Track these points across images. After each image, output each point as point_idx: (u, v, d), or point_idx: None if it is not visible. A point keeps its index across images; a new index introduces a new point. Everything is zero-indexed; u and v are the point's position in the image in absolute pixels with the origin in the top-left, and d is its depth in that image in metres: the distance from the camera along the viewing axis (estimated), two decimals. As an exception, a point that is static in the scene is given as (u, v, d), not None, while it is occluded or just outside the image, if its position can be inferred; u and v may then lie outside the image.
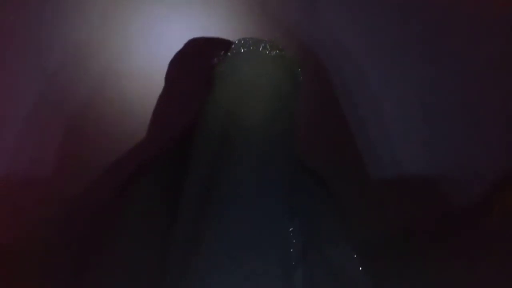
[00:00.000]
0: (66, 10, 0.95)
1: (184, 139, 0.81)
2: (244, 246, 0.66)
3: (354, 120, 0.99)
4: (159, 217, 0.75)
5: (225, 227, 0.66)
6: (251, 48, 0.77)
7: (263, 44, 0.77)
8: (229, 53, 0.79)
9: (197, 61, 0.97)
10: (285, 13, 1.00)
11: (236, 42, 0.80)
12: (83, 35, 0.96)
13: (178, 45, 0.97)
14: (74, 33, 0.95)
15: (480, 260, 0.90)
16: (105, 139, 0.95)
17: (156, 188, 0.79)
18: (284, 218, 0.72)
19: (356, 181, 0.98)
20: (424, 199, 1.01)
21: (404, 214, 0.99)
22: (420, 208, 1.00)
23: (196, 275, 0.64)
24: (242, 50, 0.78)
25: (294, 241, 0.72)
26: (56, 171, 0.93)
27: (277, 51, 0.77)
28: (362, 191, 0.98)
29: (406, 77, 1.00)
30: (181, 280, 0.64)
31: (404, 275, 0.91)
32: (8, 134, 0.92)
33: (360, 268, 0.76)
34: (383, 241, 0.95)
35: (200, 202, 0.68)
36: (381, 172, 0.99)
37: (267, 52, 0.76)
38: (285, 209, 0.72)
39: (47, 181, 0.93)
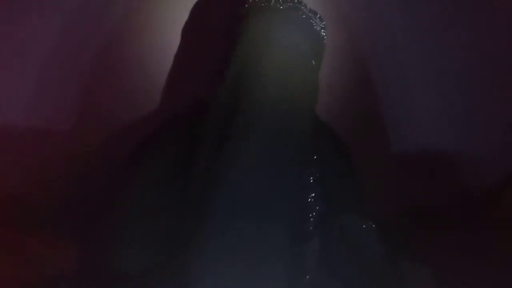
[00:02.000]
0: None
1: (200, 105, 0.81)
2: (254, 209, 0.67)
3: (381, 94, 0.97)
4: (172, 181, 0.75)
5: (234, 191, 0.67)
6: (262, 4, 0.76)
7: None
8: (243, 12, 0.78)
9: (214, 18, 0.93)
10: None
11: (250, 1, 0.78)
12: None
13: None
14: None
15: (490, 242, 0.89)
16: (122, 96, 0.94)
17: (171, 152, 0.79)
18: (299, 186, 0.71)
19: (378, 155, 0.97)
20: (443, 178, 0.99)
21: (421, 191, 0.97)
22: (438, 186, 0.98)
23: (207, 235, 0.64)
24: (255, 7, 0.77)
25: (313, 207, 0.71)
26: (74, 125, 0.92)
27: (290, 4, 0.74)
28: (383, 165, 0.96)
29: (438, 57, 0.96)
30: (194, 240, 0.66)
31: (417, 246, 0.91)
32: (26, 88, 0.91)
33: (375, 238, 0.75)
34: (399, 214, 0.94)
35: (212, 167, 0.69)
36: (403, 148, 0.98)
37: (280, 6, 0.74)
38: (299, 177, 0.71)
39: (65, 135, 0.92)
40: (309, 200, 0.73)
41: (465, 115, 0.98)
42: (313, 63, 0.75)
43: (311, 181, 0.74)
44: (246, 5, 0.79)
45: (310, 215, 0.72)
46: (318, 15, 0.77)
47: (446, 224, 0.95)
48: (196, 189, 0.70)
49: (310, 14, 0.76)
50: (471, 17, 0.96)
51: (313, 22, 0.76)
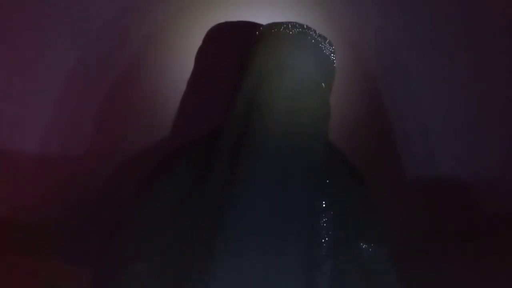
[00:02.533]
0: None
1: (212, 132, 0.82)
2: (266, 235, 0.67)
3: (393, 118, 0.96)
4: (184, 208, 0.75)
5: (243, 214, 0.67)
6: (272, 30, 0.77)
7: (284, 25, 0.76)
8: (252, 41, 0.80)
9: (225, 46, 0.95)
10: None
11: (260, 28, 0.80)
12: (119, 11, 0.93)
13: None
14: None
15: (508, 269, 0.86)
16: (135, 123, 0.95)
17: (183, 178, 0.79)
18: (311, 211, 0.70)
19: (392, 179, 0.96)
20: (457, 201, 0.98)
21: (436, 215, 0.96)
22: (452, 210, 0.97)
23: (218, 261, 0.64)
24: (264, 35, 0.78)
25: (325, 232, 0.70)
26: (88, 152, 0.93)
27: (300, 30, 0.75)
28: (397, 189, 0.96)
29: (448, 77, 0.96)
30: (204, 262, 0.66)
31: (432, 274, 0.88)
32: (41, 116, 0.92)
33: (388, 264, 0.74)
34: (414, 241, 0.92)
35: (222, 192, 0.69)
36: (417, 173, 0.97)
37: (288, 32, 0.75)
38: (312, 202, 0.70)
39: (79, 162, 0.93)
40: (322, 225, 0.72)
41: (481, 140, 0.97)
42: (324, 87, 0.76)
43: (324, 205, 0.73)
44: (257, 32, 0.80)
45: (323, 240, 0.71)
46: (328, 40, 0.78)
47: (463, 251, 0.92)
48: (208, 215, 0.70)
49: (320, 39, 0.77)
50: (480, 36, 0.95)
51: (323, 47, 0.77)
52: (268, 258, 0.65)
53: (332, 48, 0.79)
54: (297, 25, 0.77)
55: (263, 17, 0.90)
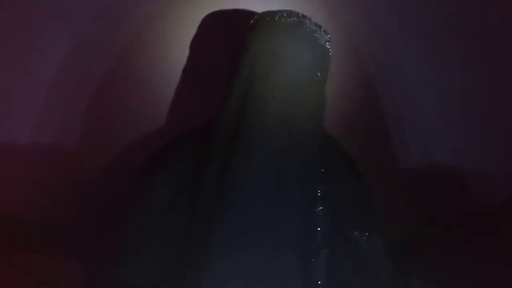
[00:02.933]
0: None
1: (206, 123, 0.81)
2: (262, 226, 0.67)
3: (387, 108, 0.97)
4: (179, 199, 0.75)
5: (238, 208, 0.67)
6: (267, 19, 0.76)
7: (279, 14, 0.75)
8: (247, 30, 0.78)
9: (221, 34, 0.94)
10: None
11: (255, 17, 0.79)
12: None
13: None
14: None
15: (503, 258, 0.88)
16: (128, 115, 0.94)
17: (177, 169, 0.78)
18: (306, 200, 0.70)
19: (386, 169, 0.96)
20: (452, 192, 0.99)
21: (430, 205, 0.97)
22: (447, 201, 0.98)
23: (215, 253, 0.64)
24: (258, 24, 0.76)
25: (321, 221, 0.70)
26: (81, 143, 0.93)
27: (295, 18, 0.75)
28: (391, 179, 0.96)
29: (444, 65, 0.97)
30: (200, 256, 0.66)
31: (426, 262, 0.89)
32: (33, 106, 0.91)
33: (383, 253, 0.75)
34: (408, 230, 0.93)
35: (217, 186, 0.69)
36: (412, 163, 0.98)
37: (283, 20, 0.74)
38: (307, 193, 0.71)
39: (72, 153, 0.93)
40: (317, 214, 0.72)
41: (475, 129, 0.98)
42: (319, 76, 0.75)
43: (319, 195, 0.73)
44: (251, 21, 0.79)
45: (318, 229, 0.71)
46: (323, 29, 0.78)
47: (457, 241, 0.93)
48: (203, 207, 0.70)
49: (315, 28, 0.76)
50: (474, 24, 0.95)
51: (318, 35, 0.76)
52: (263, 249, 0.65)
53: (328, 37, 0.78)
54: (292, 14, 0.76)
55: (258, 5, 0.88)
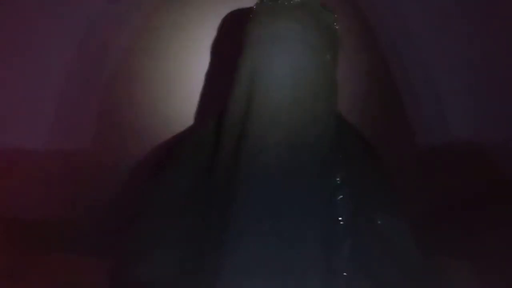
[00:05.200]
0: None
1: (214, 116, 0.79)
2: (280, 216, 0.65)
3: (404, 87, 0.94)
4: (193, 193, 0.74)
5: (256, 200, 0.65)
6: (269, 3, 0.74)
7: None
8: (251, 16, 0.75)
9: (223, 27, 0.93)
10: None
11: (257, 2, 0.76)
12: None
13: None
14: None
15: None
16: (140, 114, 0.94)
17: (190, 167, 0.77)
18: (325, 188, 0.68)
19: (406, 149, 0.94)
20: (475, 170, 0.95)
21: (452, 184, 0.94)
22: (471, 179, 0.95)
23: (234, 245, 0.63)
24: (261, 9, 0.74)
25: (342, 209, 0.68)
26: (95, 143, 0.93)
27: (298, 0, 0.72)
28: (411, 160, 0.94)
29: (459, 39, 0.93)
30: (216, 252, 0.64)
31: (453, 242, 0.87)
32: (45, 111, 0.91)
33: (410, 239, 0.72)
34: (432, 212, 0.91)
35: (233, 178, 0.67)
36: (431, 141, 0.95)
37: (286, 3, 0.72)
38: (326, 181, 0.69)
39: (85, 154, 0.93)
40: (338, 201, 0.70)
41: (495, 103, 0.94)
42: (328, 58, 0.73)
43: (338, 182, 0.71)
44: (254, 7, 0.77)
45: (340, 217, 0.69)
46: (329, 8, 0.75)
47: (484, 218, 0.91)
48: (218, 201, 0.68)
49: (320, 8, 0.74)
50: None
51: (323, 15, 0.74)
52: (283, 241, 0.63)
53: (335, 16, 0.75)
54: None
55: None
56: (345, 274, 0.67)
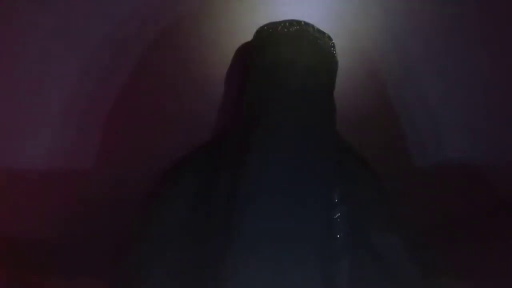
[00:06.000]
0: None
1: (217, 135, 0.84)
2: (279, 232, 0.66)
3: (400, 108, 0.96)
4: (195, 208, 0.75)
5: (257, 216, 0.66)
6: (270, 31, 0.77)
7: (281, 24, 0.76)
8: (253, 43, 0.79)
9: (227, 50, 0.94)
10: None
11: (257, 30, 0.79)
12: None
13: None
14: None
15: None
16: (144, 133, 0.94)
17: (193, 184, 0.78)
18: (323, 206, 0.70)
19: (402, 169, 0.95)
20: (468, 188, 0.97)
21: (448, 203, 0.95)
22: (464, 197, 0.96)
23: (232, 260, 0.64)
24: (261, 37, 0.78)
25: (340, 227, 0.70)
26: (95, 162, 0.93)
27: (297, 27, 0.75)
28: (408, 179, 0.95)
29: (454, 66, 0.95)
30: (218, 268, 0.65)
31: (451, 264, 0.87)
32: (47, 131, 0.92)
33: (407, 257, 0.73)
34: (429, 229, 0.91)
35: (234, 195, 0.68)
36: (426, 160, 0.96)
37: (286, 30, 0.75)
38: (324, 197, 0.70)
39: (85, 174, 0.93)
40: (336, 220, 0.71)
41: (493, 125, 0.96)
42: (326, 82, 0.75)
43: (336, 200, 0.73)
44: (254, 34, 0.80)
45: (338, 235, 0.71)
46: (327, 35, 0.78)
47: (479, 237, 0.91)
48: (219, 218, 0.70)
49: (318, 35, 0.77)
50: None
51: (322, 42, 0.76)
52: (283, 257, 0.64)
53: (332, 42, 0.78)
54: (294, 23, 0.76)
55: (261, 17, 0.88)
56: None
